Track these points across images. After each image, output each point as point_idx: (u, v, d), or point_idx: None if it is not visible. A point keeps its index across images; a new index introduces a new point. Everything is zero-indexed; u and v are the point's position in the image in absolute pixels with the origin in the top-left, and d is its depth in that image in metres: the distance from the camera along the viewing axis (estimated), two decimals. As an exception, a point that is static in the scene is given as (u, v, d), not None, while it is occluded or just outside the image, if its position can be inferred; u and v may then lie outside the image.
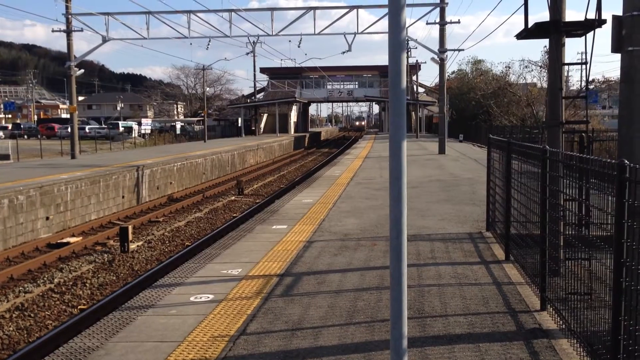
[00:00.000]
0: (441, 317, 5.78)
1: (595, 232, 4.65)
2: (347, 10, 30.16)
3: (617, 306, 3.93)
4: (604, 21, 6.96)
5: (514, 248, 7.73)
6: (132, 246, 14.63)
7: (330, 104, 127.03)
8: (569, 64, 7.78)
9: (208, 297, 6.55)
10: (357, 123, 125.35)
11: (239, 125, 65.43)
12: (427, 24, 31.26)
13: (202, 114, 55.42)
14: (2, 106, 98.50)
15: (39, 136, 52.58)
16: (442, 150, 30.00)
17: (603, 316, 4.34)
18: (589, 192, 4.87)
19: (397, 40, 3.23)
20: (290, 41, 38.61)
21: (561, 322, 5.30)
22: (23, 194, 15.39)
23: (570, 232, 5.44)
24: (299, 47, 46.69)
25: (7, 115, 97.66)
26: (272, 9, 30.16)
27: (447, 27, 29.81)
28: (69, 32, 27.96)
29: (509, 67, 44.45)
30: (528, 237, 6.82)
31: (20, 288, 11.35)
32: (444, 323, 5.63)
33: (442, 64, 30.11)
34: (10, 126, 69.13)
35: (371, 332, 5.45)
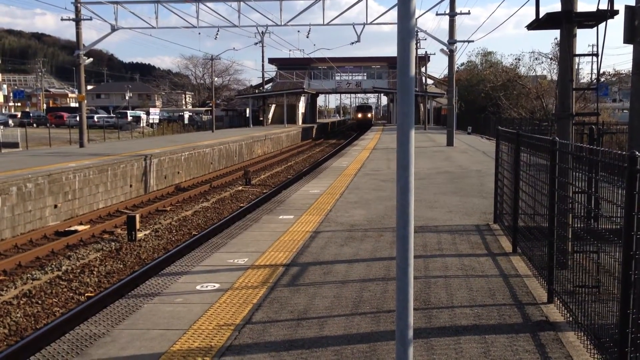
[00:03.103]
0: (447, 309, 5.76)
1: (604, 225, 4.60)
2: (356, 0, 29.99)
3: (626, 299, 3.90)
4: (617, 12, 6.87)
5: (521, 240, 7.69)
6: (140, 235, 14.68)
7: (338, 95, 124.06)
8: (580, 55, 7.69)
9: (214, 286, 6.55)
10: (360, 115, 79.51)
11: (247, 115, 65.45)
12: (437, 15, 31.08)
13: (210, 104, 55.44)
14: (11, 95, 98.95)
15: (47, 125, 52.73)
16: (450, 143, 29.89)
17: (611, 309, 4.31)
18: (598, 185, 4.82)
19: (406, 28, 3.20)
20: (299, 32, 38.53)
21: (568, 314, 5.27)
22: (32, 181, 15.46)
23: (578, 225, 5.40)
24: (307, 37, 46.55)
25: (16, 104, 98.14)
26: (281, -1, 30.02)
27: (457, 18, 29.63)
28: (78, 20, 27.98)
29: (519, 59, 44.14)
30: (536, 230, 6.78)
31: (28, 275, 11.42)
32: (450, 314, 5.61)
33: (451, 56, 29.93)
34: (19, 114, 69.50)
35: (377, 322, 5.44)
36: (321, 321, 5.47)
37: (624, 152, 4.06)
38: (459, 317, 5.53)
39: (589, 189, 5.22)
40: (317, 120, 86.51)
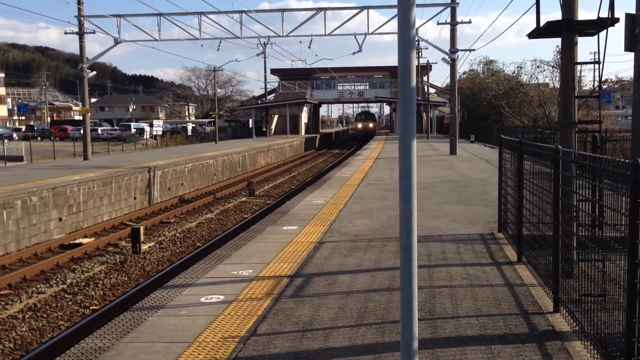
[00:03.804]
0: (452, 319, 5.74)
1: (608, 233, 4.59)
2: (357, 10, 30.14)
3: (631, 308, 3.88)
4: (617, 20, 6.89)
5: (526, 249, 7.66)
6: (144, 247, 14.68)
7: (341, 104, 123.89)
8: (581, 63, 7.70)
9: (218, 298, 6.54)
10: (361, 125, 71.26)
11: (250, 126, 65.60)
12: (438, 24, 31.24)
13: (213, 115, 55.61)
14: (16, 108, 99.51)
15: (52, 138, 52.95)
16: (453, 151, 29.88)
17: (617, 318, 4.28)
18: (602, 193, 4.81)
19: (407, 38, 3.21)
20: (300, 42, 38.91)
21: (574, 324, 5.24)
22: (36, 195, 15.50)
23: (583, 233, 5.38)
24: (309, 48, 46.75)
25: (20, 117, 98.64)
26: (283, 10, 30.21)
27: (458, 27, 29.72)
28: (81, 34, 28.16)
29: (521, 67, 44.25)
30: (540, 238, 6.75)
31: (33, 289, 11.43)
32: (456, 324, 5.58)
33: (453, 65, 29.99)
34: (23, 128, 69.85)
35: (382, 333, 5.42)
36: (326, 332, 5.45)
37: (628, 160, 4.05)
38: (464, 327, 5.50)
39: (593, 197, 5.21)
40: (320, 130, 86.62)
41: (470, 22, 32.22)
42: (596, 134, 9.03)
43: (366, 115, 75.54)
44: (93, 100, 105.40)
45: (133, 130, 63.56)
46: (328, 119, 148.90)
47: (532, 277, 7.06)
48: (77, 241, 15.39)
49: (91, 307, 10.52)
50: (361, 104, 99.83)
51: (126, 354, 5.06)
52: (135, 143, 49.34)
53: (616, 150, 17.49)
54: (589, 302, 4.90)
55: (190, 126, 72.87)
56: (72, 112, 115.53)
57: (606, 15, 6.87)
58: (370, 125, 71.34)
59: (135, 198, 20.75)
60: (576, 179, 5.49)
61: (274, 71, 79.11)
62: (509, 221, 9.16)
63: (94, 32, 28.91)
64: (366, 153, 34.11)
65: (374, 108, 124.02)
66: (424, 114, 59.06)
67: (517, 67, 46.12)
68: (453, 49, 29.59)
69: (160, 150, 41.30)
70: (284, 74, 77.18)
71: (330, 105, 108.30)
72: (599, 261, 4.82)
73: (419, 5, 31.01)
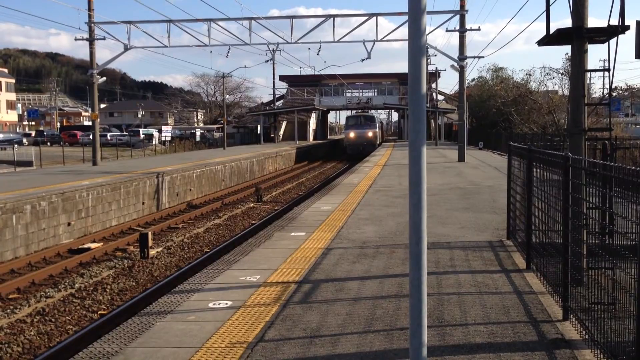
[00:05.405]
0: (461, 326, 5.71)
1: (619, 241, 4.56)
2: (366, 17, 30.22)
3: (642, 316, 3.85)
4: (628, 27, 6.87)
5: (535, 257, 7.63)
6: (152, 252, 14.72)
7: (349, 111, 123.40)
8: (591, 71, 7.68)
9: (226, 304, 6.55)
10: (354, 134, 48.97)
11: (258, 132, 65.77)
12: (447, 31, 31.23)
13: (222, 122, 55.79)
14: (26, 113, 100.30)
15: (61, 143, 53.20)
16: (461, 158, 29.82)
17: (627, 326, 4.25)
18: (612, 200, 4.79)
19: (417, 45, 3.22)
20: (309, 49, 38.94)
21: (584, 332, 5.21)
22: (45, 200, 15.59)
23: (593, 241, 5.35)
24: (318, 54, 46.68)
25: (30, 123, 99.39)
26: (292, 17, 30.36)
27: (467, 34, 29.74)
28: (91, 40, 28.37)
29: (530, 75, 44.16)
30: (550, 246, 6.72)
31: (42, 293, 11.47)
32: (464, 332, 5.56)
33: (461, 72, 29.98)
34: (33, 133, 70.30)
35: (390, 340, 5.40)
36: (334, 339, 5.44)
37: (638, 167, 4.03)
38: (473, 335, 5.48)
39: (603, 205, 5.18)
40: (328, 137, 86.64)
41: (479, 29, 32.28)
42: (606, 142, 8.99)
43: (363, 119, 51.35)
44: (102, 106, 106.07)
45: (142, 136, 63.85)
46: (336, 126, 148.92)
47: (541, 285, 7.02)
48: (86, 246, 15.46)
49: (99, 312, 10.55)
50: (365, 109, 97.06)
51: (134, 359, 5.07)
52: (144, 149, 49.55)
53: (626, 158, 17.39)
54: (599, 311, 4.87)
55: (198, 132, 73.18)
56: (81, 117, 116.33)
57: (616, 23, 6.85)
58: (369, 134, 49.02)
59: (143, 203, 20.82)
60: (586, 186, 5.46)
61: (282, 78, 79.35)
62: (517, 228, 9.12)
63: (104, 39, 29.14)
64: (374, 159, 34.10)
65: (382, 115, 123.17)
66: (433, 120, 58.99)
67: (526, 74, 46.09)
68: (462, 56, 29.58)
69: (169, 156, 41.46)
70: (292, 81, 77.37)
71: (338, 112, 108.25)
72: (609, 269, 4.79)
73: (428, 13, 31.01)
